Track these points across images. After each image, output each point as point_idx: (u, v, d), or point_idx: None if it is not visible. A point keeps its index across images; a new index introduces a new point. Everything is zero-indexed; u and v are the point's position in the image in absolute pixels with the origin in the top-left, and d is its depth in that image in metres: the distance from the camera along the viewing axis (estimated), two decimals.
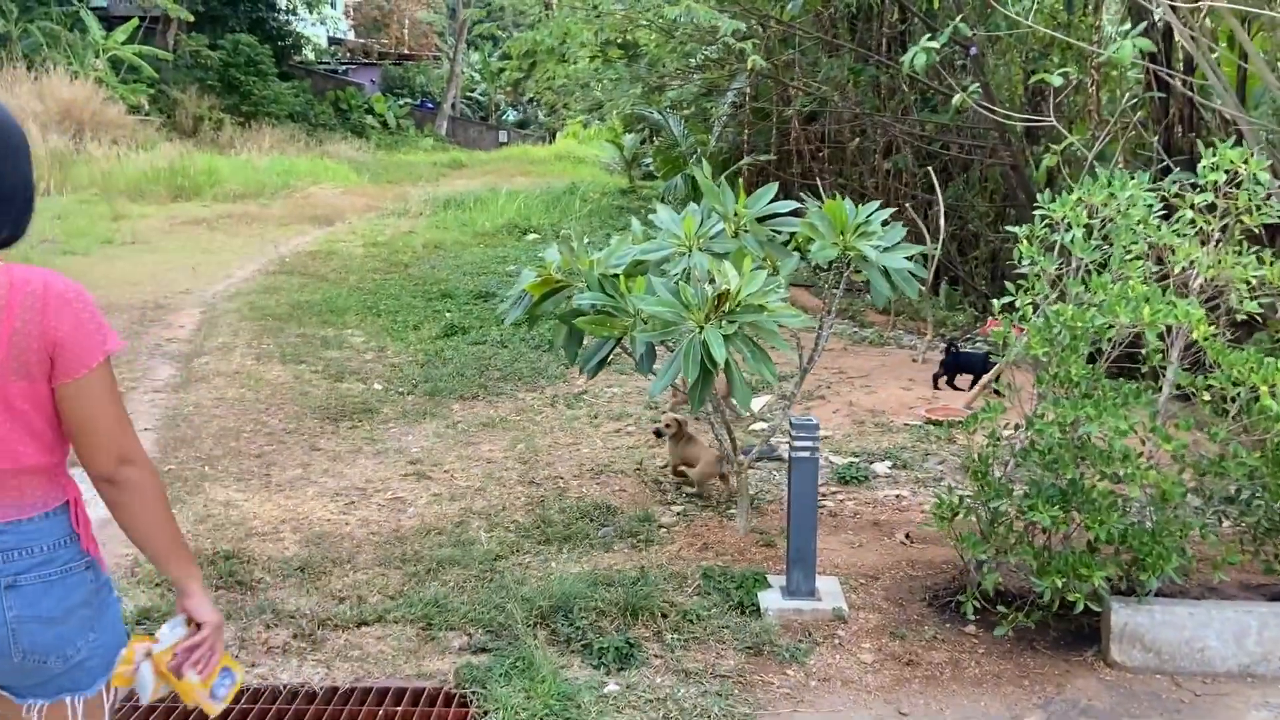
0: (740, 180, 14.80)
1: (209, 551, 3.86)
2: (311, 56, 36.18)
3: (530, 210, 15.33)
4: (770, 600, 3.51)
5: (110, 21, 23.76)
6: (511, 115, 49.08)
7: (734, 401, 4.05)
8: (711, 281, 3.39)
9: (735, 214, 3.82)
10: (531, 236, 13.73)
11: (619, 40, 14.53)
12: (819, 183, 9.84)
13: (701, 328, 3.26)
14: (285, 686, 3.01)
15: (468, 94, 44.90)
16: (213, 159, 19.37)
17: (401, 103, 36.52)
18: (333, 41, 39.30)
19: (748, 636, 3.32)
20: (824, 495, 4.60)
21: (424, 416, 5.98)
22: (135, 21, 23.24)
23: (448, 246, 12.79)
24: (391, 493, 4.71)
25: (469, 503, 4.61)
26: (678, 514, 4.51)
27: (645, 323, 3.52)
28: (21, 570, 1.62)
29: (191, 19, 25.11)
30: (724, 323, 3.25)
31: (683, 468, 4.75)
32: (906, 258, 3.76)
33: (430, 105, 38.78)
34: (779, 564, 3.83)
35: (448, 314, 8.93)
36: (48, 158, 16.16)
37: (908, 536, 4.23)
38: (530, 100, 48.68)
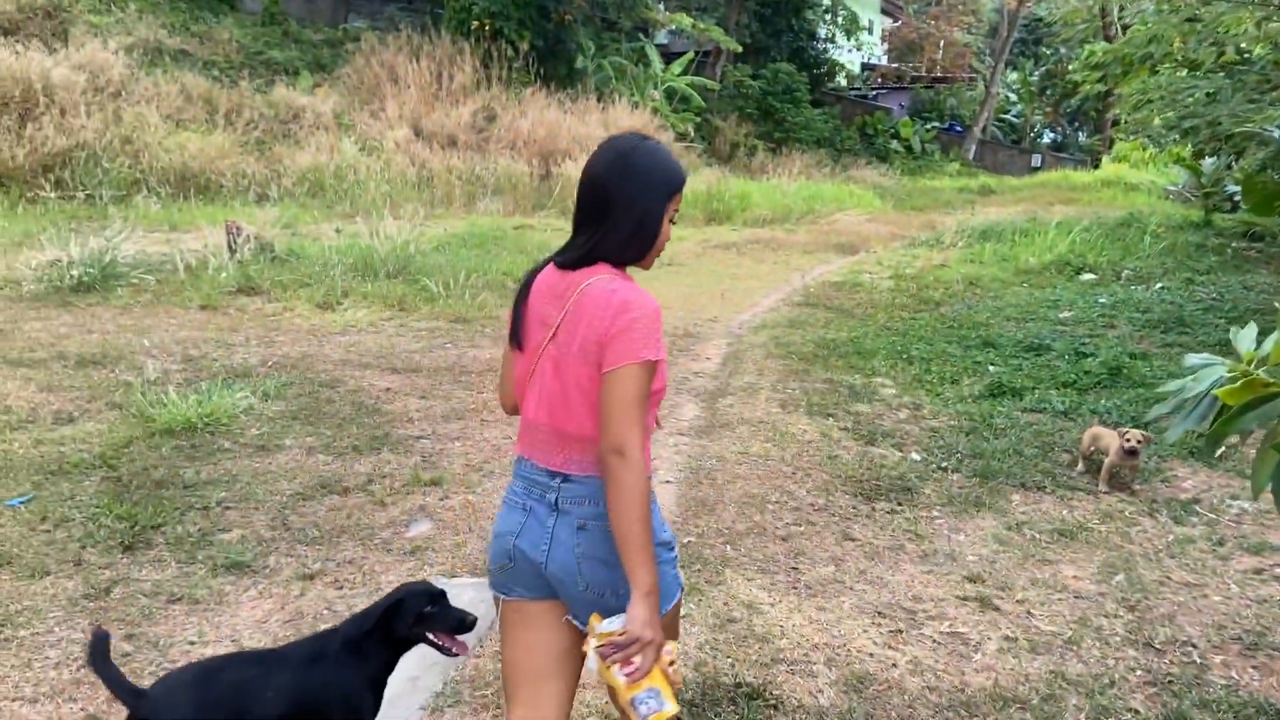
0: None
1: (728, 681, 3.08)
2: (843, 83, 36.42)
3: (1083, 245, 13.24)
4: None
5: (668, 57, 25.79)
6: (1047, 137, 45.24)
7: None
8: None
9: None
10: (1087, 276, 11.74)
11: (1223, 45, 11.93)
12: None
13: None
14: None
15: (1000, 116, 42.30)
16: (745, 184, 19.89)
17: (929, 126, 35.33)
18: (865, 67, 39.28)
19: None
20: None
21: (975, 508, 4.79)
22: (691, 55, 24.91)
23: (985, 284, 11.37)
24: (948, 623, 3.61)
25: (1058, 661, 3.34)
26: None
27: None
28: (589, 516, 1.96)
29: (740, 50, 26.34)
30: None
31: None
32: None
33: (958, 128, 37.01)
34: None
35: (991, 367, 7.61)
36: None
37: None
38: (1072, 120, 44.54)
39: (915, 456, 5.53)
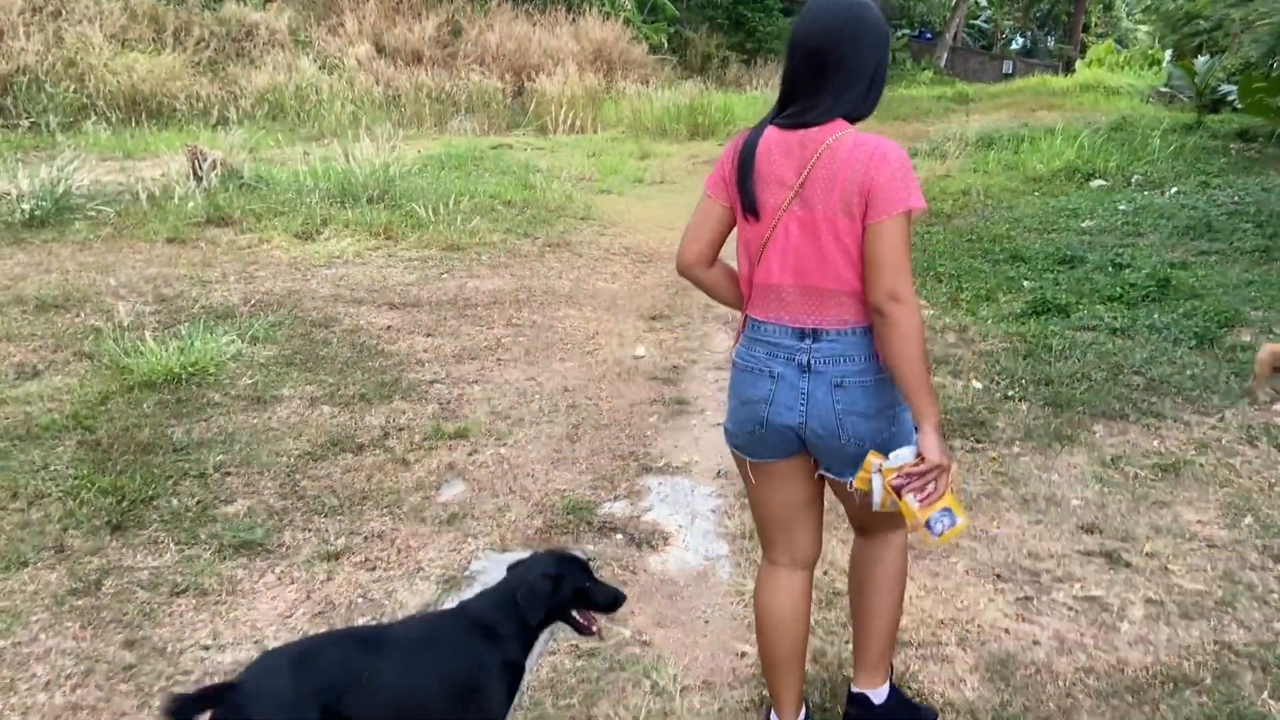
0: None
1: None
2: None
3: (1090, 150, 12.71)
4: None
5: None
6: (1017, 43, 44.36)
7: None
8: None
9: None
10: (1098, 183, 11.27)
11: None
12: None
13: None
14: None
15: (970, 22, 41.37)
16: (727, 97, 19.05)
17: (899, 34, 34.32)
18: None
19: None
20: None
21: (1059, 442, 4.34)
22: None
23: (995, 194, 10.84)
24: (1079, 585, 3.16)
25: (1218, 629, 2.91)
26: None
27: None
28: (847, 373, 2.01)
29: None
30: None
31: None
32: None
33: (929, 35, 36.14)
34: None
35: (1025, 282, 7.15)
36: (584, 96, 16.76)
37: None
38: (1042, 25, 43.62)
39: (977, 385, 5.06)
